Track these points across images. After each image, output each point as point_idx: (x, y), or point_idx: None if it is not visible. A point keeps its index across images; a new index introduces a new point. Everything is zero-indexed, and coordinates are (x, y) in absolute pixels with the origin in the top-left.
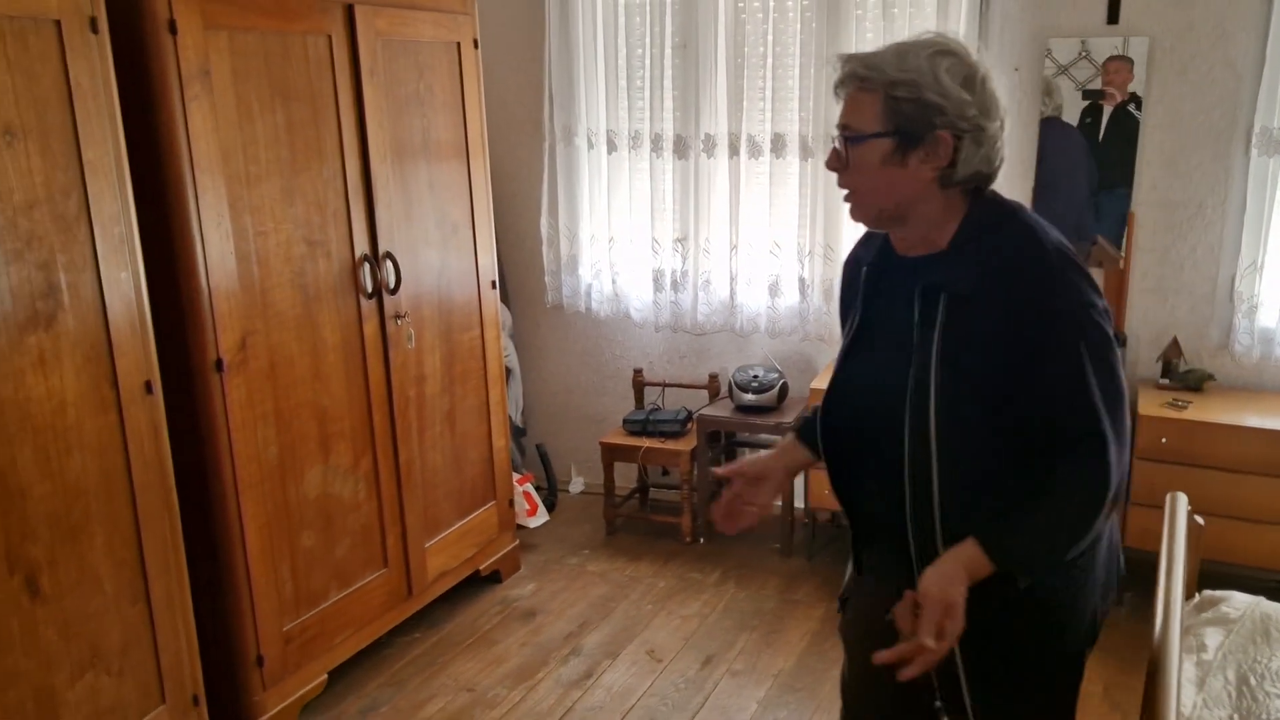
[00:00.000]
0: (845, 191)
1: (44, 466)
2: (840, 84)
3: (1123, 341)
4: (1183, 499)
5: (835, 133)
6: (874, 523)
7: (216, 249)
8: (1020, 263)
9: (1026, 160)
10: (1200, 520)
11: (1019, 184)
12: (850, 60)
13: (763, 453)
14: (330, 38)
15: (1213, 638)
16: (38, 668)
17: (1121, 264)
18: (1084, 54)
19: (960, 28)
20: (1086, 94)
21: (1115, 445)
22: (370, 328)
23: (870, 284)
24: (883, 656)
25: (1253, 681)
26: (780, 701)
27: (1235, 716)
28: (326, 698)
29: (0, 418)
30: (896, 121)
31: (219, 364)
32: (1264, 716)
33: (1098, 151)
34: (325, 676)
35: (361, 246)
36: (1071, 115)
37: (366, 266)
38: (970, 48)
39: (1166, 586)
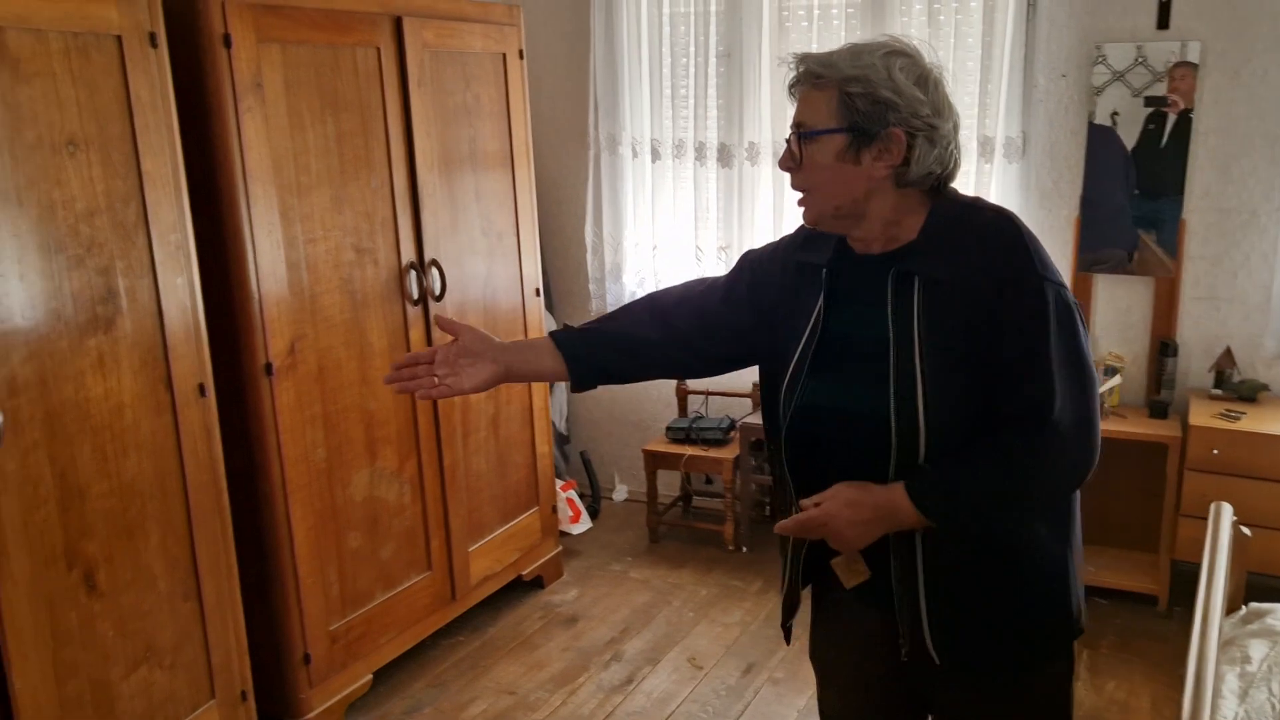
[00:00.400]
0: (799, 195)
1: (102, 466)
2: (795, 83)
3: (1173, 350)
4: (1227, 509)
5: (789, 134)
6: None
7: (268, 256)
8: (994, 242)
9: (1075, 167)
10: (1247, 531)
11: (1067, 190)
12: (805, 59)
13: (494, 338)
14: (379, 49)
15: (1257, 650)
16: (95, 661)
17: (1173, 272)
18: (1140, 59)
19: (1007, 32)
20: (1149, 100)
21: (1071, 420)
22: (417, 333)
23: (829, 286)
24: (783, 526)
25: None
26: None
27: None
28: (371, 698)
29: (61, 418)
30: (850, 118)
31: (269, 368)
32: None
33: (1154, 158)
34: (370, 677)
35: (408, 254)
36: (1131, 122)
37: (413, 273)
38: (923, 50)
39: (1206, 597)
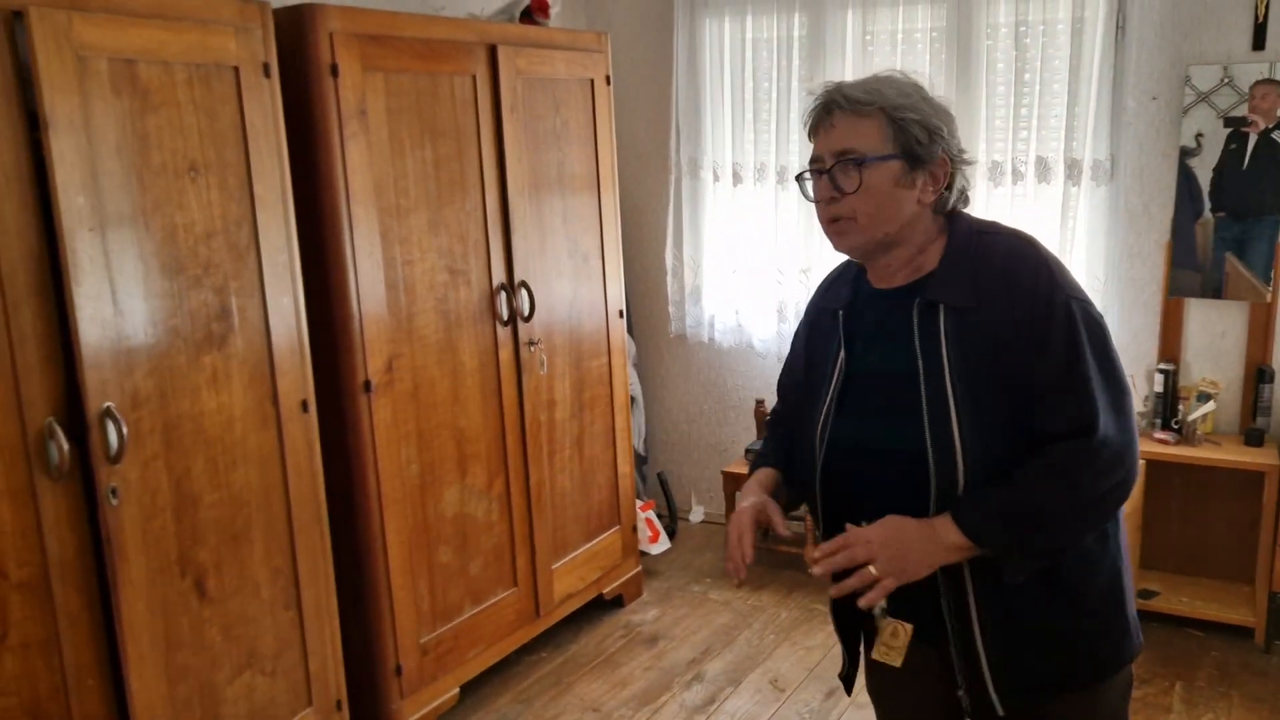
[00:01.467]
0: (836, 220)
1: (213, 477)
2: (825, 110)
3: (1270, 377)
4: None
5: (824, 162)
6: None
7: (368, 277)
8: (1016, 266)
9: (1166, 190)
10: None
11: (1158, 214)
12: (839, 87)
13: (749, 500)
14: (474, 77)
15: None
16: (204, 665)
17: (1269, 297)
18: (1226, 80)
19: (1095, 54)
20: (1229, 121)
21: (1115, 434)
22: (505, 353)
23: (848, 327)
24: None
25: None
26: None
27: None
28: (458, 711)
29: (178, 430)
30: (904, 143)
31: (367, 385)
32: None
33: (1237, 180)
34: (458, 690)
35: (499, 275)
36: (1214, 144)
37: (503, 294)
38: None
39: None
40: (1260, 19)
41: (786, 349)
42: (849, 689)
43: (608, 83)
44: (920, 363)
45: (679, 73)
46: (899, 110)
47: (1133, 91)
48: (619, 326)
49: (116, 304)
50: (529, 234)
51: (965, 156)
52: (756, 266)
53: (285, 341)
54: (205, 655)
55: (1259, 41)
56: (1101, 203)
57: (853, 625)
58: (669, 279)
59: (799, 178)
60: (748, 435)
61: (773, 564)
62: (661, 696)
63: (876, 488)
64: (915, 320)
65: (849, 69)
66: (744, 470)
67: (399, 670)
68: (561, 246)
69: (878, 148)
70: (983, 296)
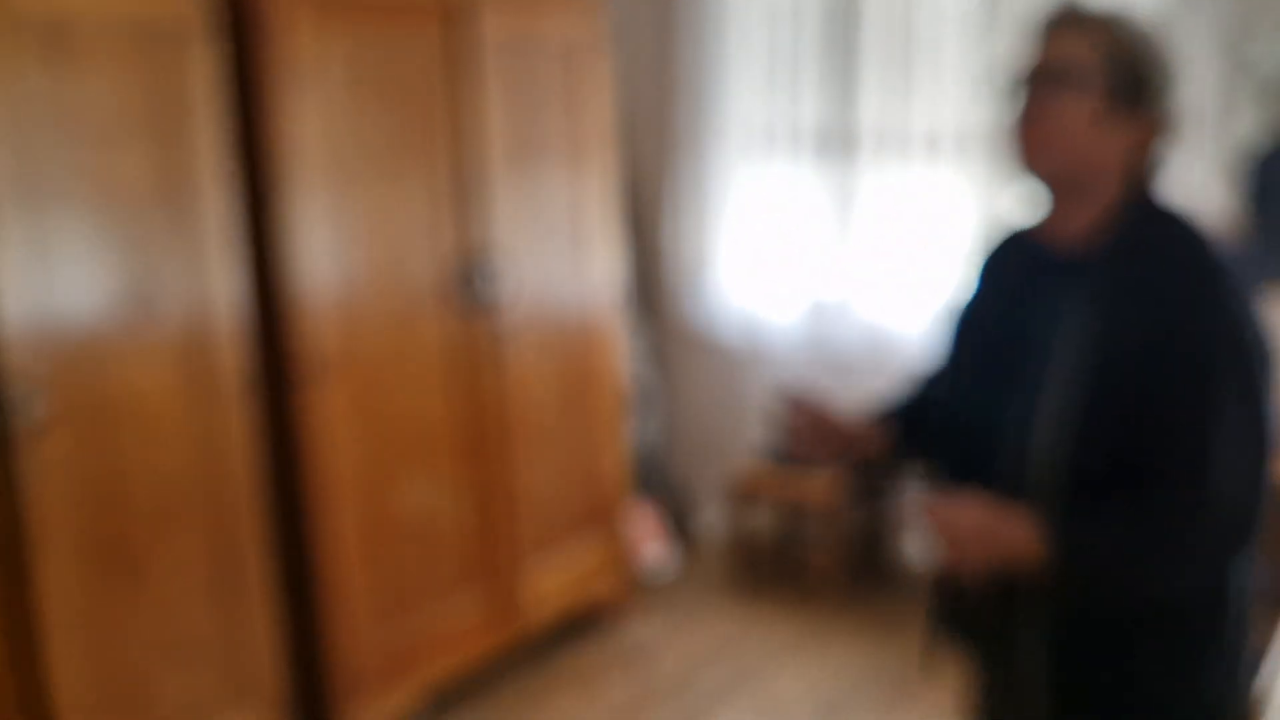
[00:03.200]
0: (1030, 135)
1: (143, 460)
2: (1054, 22)
3: None
4: None
5: (1031, 74)
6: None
7: (320, 251)
8: (1174, 264)
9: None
10: None
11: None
12: (1074, 4)
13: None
14: (446, 37)
15: None
16: (132, 653)
17: None
18: None
19: None
20: None
21: (1230, 490)
22: (478, 339)
23: (1008, 285)
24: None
25: None
26: None
27: None
28: (421, 716)
29: (106, 409)
30: (1115, 79)
31: (317, 368)
32: None
33: None
34: (420, 695)
35: (472, 255)
36: None
37: (478, 274)
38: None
39: None
40: None
41: (806, 343)
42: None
43: (602, 42)
44: (1058, 348)
45: (683, 37)
46: (1118, 45)
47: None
48: (613, 314)
49: (42, 277)
50: (509, 208)
51: (1171, 125)
52: (773, 253)
53: (224, 319)
54: (134, 643)
55: None
56: None
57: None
58: (681, 266)
59: (1020, 75)
60: (763, 437)
61: (781, 573)
62: (643, 712)
63: (981, 465)
64: (1062, 309)
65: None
66: (758, 474)
67: (349, 670)
68: (546, 225)
69: (1085, 72)
70: (1139, 295)
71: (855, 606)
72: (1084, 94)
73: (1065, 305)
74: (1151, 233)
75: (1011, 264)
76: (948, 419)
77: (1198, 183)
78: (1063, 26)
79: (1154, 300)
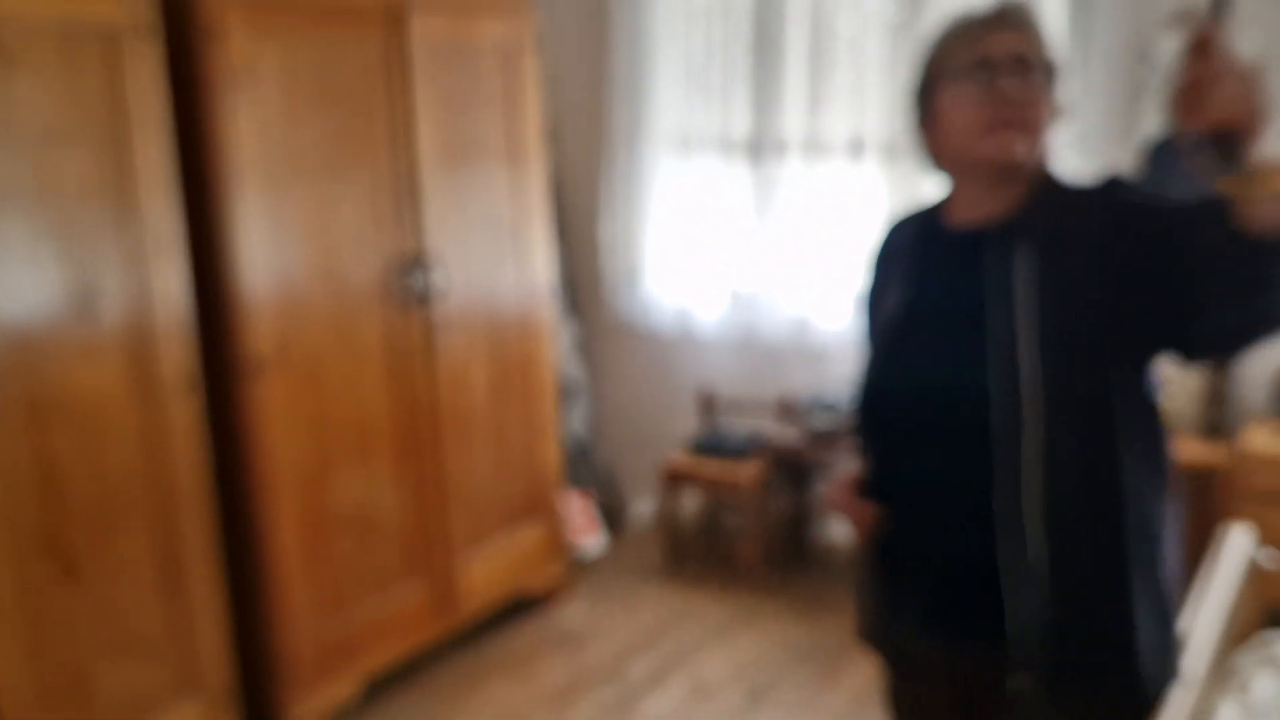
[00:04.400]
0: (1020, 127)
1: (85, 456)
2: (1004, 17)
3: (1229, 372)
4: (1241, 531)
5: (1015, 58)
6: (937, 559)
7: (258, 250)
8: (1092, 187)
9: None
10: (1272, 563)
11: None
12: (1017, 5)
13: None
14: (382, 41)
15: (1261, 682)
16: (74, 649)
17: None
18: None
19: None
20: None
21: None
22: (415, 334)
23: (910, 267)
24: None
25: None
26: None
27: None
28: (359, 707)
29: (45, 405)
30: (1051, 66)
31: (258, 365)
32: None
33: None
34: (358, 685)
35: (408, 252)
36: None
37: (414, 272)
38: None
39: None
40: None
41: (733, 334)
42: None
43: (534, 46)
44: (989, 300)
45: (618, 39)
46: (1043, 38)
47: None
48: (546, 308)
49: None
50: (443, 208)
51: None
52: (700, 247)
53: (167, 318)
54: (76, 639)
55: None
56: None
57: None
58: (611, 259)
59: (980, 65)
60: (692, 425)
61: (711, 560)
62: (578, 697)
63: (929, 429)
64: (988, 256)
65: (798, 34)
66: (686, 463)
67: (291, 662)
68: (480, 222)
69: (1048, 66)
70: (1063, 227)
71: (782, 589)
72: (1049, 82)
73: (995, 264)
74: (1066, 189)
75: (915, 248)
76: (878, 397)
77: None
78: (1013, 21)
79: (1088, 205)
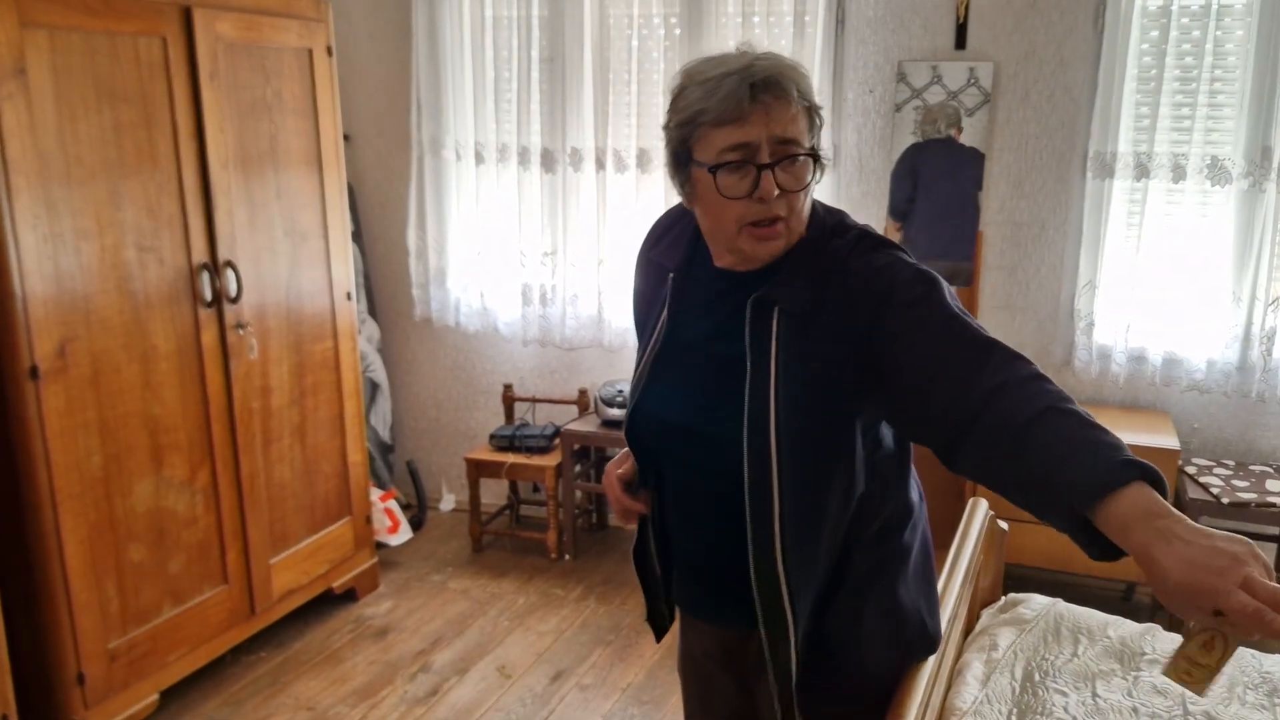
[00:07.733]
0: (776, 221)
1: None
2: (753, 90)
3: None
4: (983, 504)
5: (765, 150)
6: (700, 565)
7: (32, 252)
8: (861, 264)
9: (882, 180)
10: (1004, 525)
11: (874, 204)
12: (755, 64)
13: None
14: (165, 40)
15: (1005, 637)
16: None
17: (971, 281)
18: (936, 78)
19: (817, 46)
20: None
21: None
22: (209, 337)
23: (676, 294)
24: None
25: (1037, 678)
26: (626, 714)
27: (1014, 711)
28: (158, 718)
29: None
30: (814, 139)
31: (34, 371)
32: (1040, 711)
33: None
34: (157, 697)
35: (199, 254)
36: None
37: (205, 274)
38: None
39: (947, 585)
40: (960, 20)
41: (533, 333)
42: (661, 634)
43: (329, 53)
44: (748, 356)
45: (418, 48)
46: (813, 104)
47: (852, 84)
48: (347, 309)
49: None
50: (236, 210)
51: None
52: (501, 249)
53: None
54: None
55: (960, 41)
56: (824, 192)
57: (651, 575)
58: (412, 261)
59: (719, 168)
60: (496, 420)
61: (515, 549)
62: (383, 690)
63: (683, 464)
64: (748, 313)
65: (588, 50)
66: (489, 456)
67: (81, 679)
68: (276, 224)
69: (808, 139)
70: (824, 302)
71: (582, 574)
72: (814, 141)
73: (755, 319)
74: (823, 244)
75: (682, 267)
76: (639, 414)
77: (862, 203)
78: (775, 85)
79: (846, 300)
